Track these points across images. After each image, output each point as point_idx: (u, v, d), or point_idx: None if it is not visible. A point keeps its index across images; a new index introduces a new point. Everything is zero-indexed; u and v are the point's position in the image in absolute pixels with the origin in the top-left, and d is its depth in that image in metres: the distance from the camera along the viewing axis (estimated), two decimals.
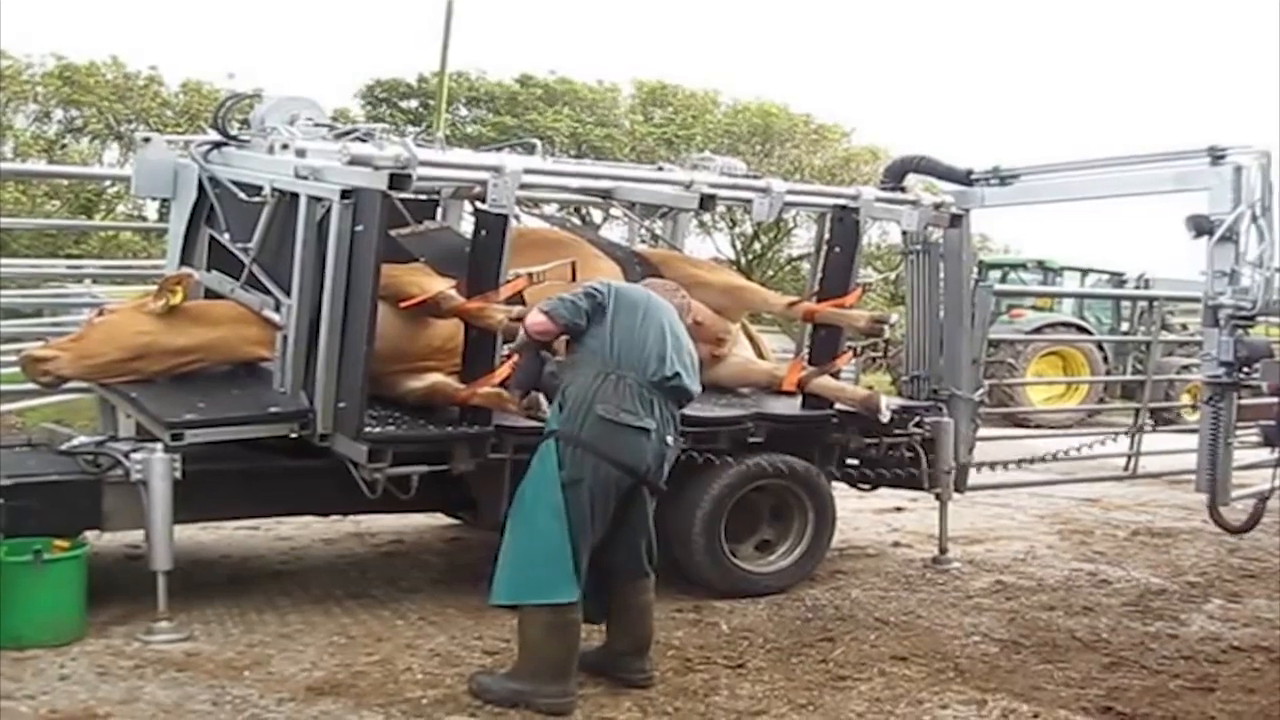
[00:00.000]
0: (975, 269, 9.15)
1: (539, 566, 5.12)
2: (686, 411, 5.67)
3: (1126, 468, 12.32)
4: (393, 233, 6.17)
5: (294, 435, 6.15)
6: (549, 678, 5.13)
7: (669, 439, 5.40)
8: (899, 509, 9.81)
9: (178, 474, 5.89)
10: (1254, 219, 6.99)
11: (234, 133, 6.93)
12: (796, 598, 7.11)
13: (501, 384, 6.22)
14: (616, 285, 5.61)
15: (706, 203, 7.08)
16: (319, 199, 6.05)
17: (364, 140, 6.42)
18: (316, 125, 6.88)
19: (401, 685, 5.36)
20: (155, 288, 6.40)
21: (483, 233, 6.24)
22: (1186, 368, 17.52)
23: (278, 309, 6.29)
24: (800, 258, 32.23)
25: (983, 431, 9.46)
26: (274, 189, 6.31)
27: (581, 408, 5.19)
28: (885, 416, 7.38)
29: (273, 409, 6.18)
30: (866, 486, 8.24)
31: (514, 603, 5.21)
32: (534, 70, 34.05)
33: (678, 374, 5.37)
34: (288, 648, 5.87)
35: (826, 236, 7.79)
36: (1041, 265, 21.10)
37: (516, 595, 5.18)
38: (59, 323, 10.18)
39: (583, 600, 5.19)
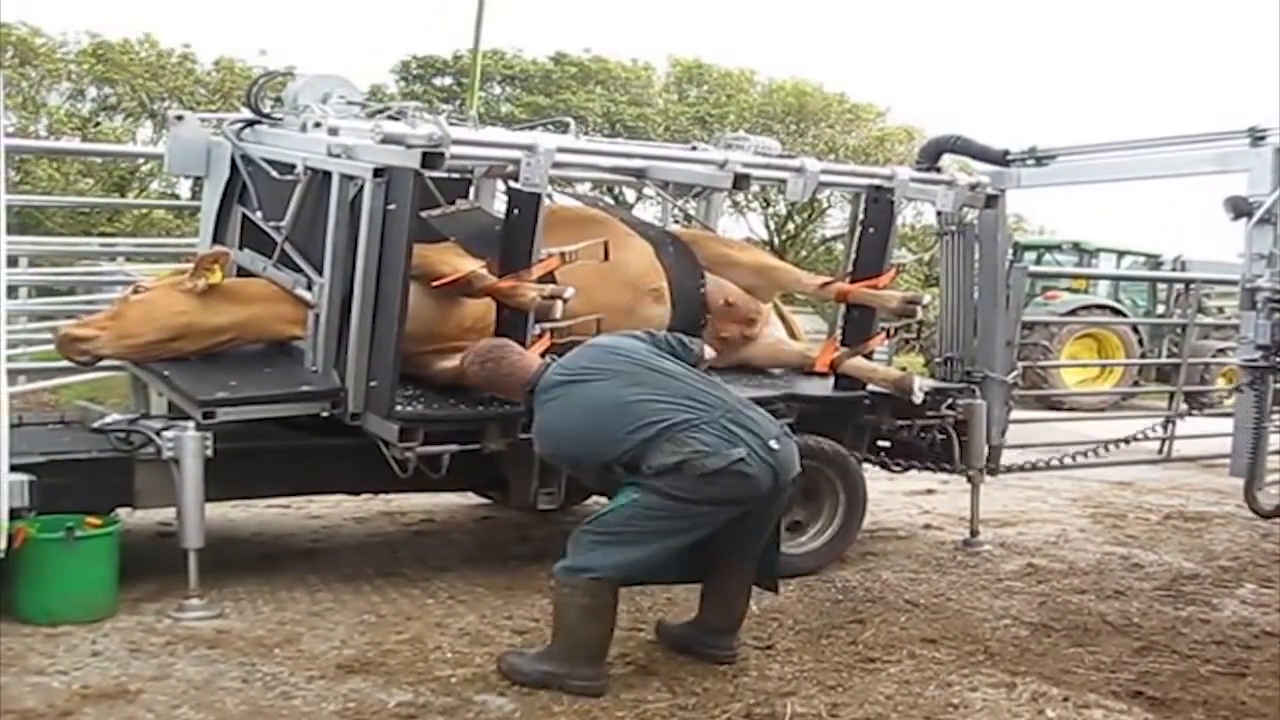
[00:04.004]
0: (1010, 250, 9.08)
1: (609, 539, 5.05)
2: None
3: (1160, 451, 12.25)
4: (424, 214, 6.16)
5: (325, 414, 6.15)
6: (584, 660, 5.07)
7: (772, 443, 5.19)
8: (930, 491, 9.77)
9: (209, 452, 5.90)
10: None
11: (267, 111, 6.91)
12: (826, 579, 7.09)
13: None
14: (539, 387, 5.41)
15: (741, 182, 7.03)
16: (351, 177, 6.04)
17: (397, 118, 6.41)
18: (349, 103, 6.87)
19: (431, 664, 5.37)
20: (191, 266, 6.41)
21: (515, 212, 6.23)
22: (1223, 351, 17.38)
23: (310, 287, 6.30)
24: (834, 238, 32.20)
25: (1016, 414, 9.40)
26: (306, 167, 6.29)
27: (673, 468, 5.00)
28: (918, 398, 7.34)
29: (304, 387, 6.18)
30: (898, 468, 8.22)
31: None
32: (569, 48, 34.14)
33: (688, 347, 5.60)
34: (318, 626, 5.89)
35: (861, 217, 7.75)
36: (1077, 247, 20.98)
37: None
38: (92, 301, 10.22)
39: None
